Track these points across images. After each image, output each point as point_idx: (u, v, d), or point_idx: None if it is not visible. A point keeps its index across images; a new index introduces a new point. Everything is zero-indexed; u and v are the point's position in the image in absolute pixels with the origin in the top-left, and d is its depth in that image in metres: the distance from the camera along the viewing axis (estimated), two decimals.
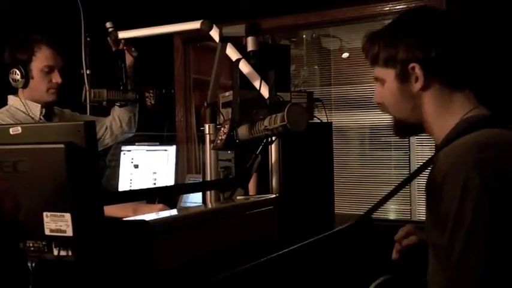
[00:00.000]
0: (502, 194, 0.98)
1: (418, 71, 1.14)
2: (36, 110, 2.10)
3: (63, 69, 2.12)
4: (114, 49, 2.38)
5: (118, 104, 2.34)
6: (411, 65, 1.14)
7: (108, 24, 2.37)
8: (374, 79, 1.25)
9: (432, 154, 1.21)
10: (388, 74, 1.19)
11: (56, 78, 2.09)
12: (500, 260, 0.98)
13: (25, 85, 2.07)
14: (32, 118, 2.08)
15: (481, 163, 1.00)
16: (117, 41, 2.36)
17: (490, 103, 1.18)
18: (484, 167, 0.99)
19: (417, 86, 1.15)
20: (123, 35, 2.34)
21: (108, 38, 2.36)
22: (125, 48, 2.37)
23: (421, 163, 1.23)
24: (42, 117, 2.11)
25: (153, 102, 2.44)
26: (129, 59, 2.39)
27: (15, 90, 2.12)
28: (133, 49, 2.39)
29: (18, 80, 2.05)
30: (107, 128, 2.39)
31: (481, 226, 0.98)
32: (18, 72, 2.04)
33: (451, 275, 1.02)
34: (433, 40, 1.14)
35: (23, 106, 2.08)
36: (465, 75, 1.17)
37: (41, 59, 2.07)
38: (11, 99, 2.12)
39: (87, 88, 2.39)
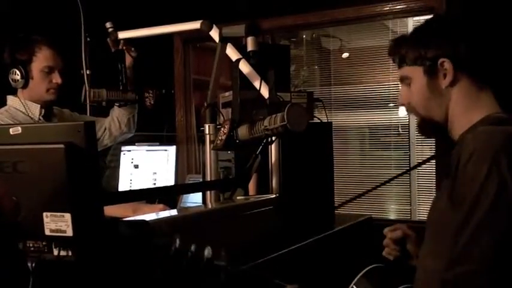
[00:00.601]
0: None
1: (447, 65, 1.17)
2: (35, 110, 2.09)
3: (63, 69, 2.12)
4: (113, 50, 2.37)
5: (117, 104, 2.34)
6: (440, 60, 1.17)
7: (108, 25, 2.37)
8: (399, 80, 1.27)
9: (432, 154, 1.22)
10: (417, 71, 1.21)
11: (56, 78, 2.09)
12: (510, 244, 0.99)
13: (25, 85, 2.06)
14: (32, 118, 2.08)
15: (510, 149, 1.02)
16: (117, 41, 2.36)
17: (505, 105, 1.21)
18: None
19: (446, 81, 1.18)
20: (122, 35, 2.34)
21: (108, 39, 2.36)
22: (124, 48, 2.36)
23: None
24: (41, 118, 2.10)
25: (152, 102, 2.44)
26: (128, 59, 2.38)
27: (15, 91, 2.11)
28: (132, 49, 2.39)
29: (18, 81, 2.05)
30: (105, 129, 2.38)
31: (503, 206, 0.99)
32: (18, 72, 2.04)
33: (458, 250, 1.01)
34: (461, 37, 1.18)
35: (22, 106, 2.07)
36: (491, 72, 1.20)
37: (41, 59, 2.06)
38: (10, 99, 2.11)
39: (86, 88, 2.38)
